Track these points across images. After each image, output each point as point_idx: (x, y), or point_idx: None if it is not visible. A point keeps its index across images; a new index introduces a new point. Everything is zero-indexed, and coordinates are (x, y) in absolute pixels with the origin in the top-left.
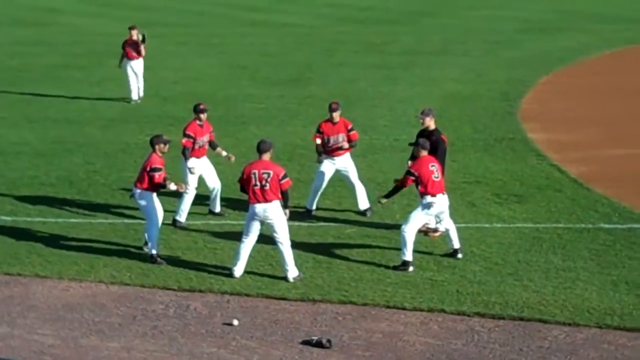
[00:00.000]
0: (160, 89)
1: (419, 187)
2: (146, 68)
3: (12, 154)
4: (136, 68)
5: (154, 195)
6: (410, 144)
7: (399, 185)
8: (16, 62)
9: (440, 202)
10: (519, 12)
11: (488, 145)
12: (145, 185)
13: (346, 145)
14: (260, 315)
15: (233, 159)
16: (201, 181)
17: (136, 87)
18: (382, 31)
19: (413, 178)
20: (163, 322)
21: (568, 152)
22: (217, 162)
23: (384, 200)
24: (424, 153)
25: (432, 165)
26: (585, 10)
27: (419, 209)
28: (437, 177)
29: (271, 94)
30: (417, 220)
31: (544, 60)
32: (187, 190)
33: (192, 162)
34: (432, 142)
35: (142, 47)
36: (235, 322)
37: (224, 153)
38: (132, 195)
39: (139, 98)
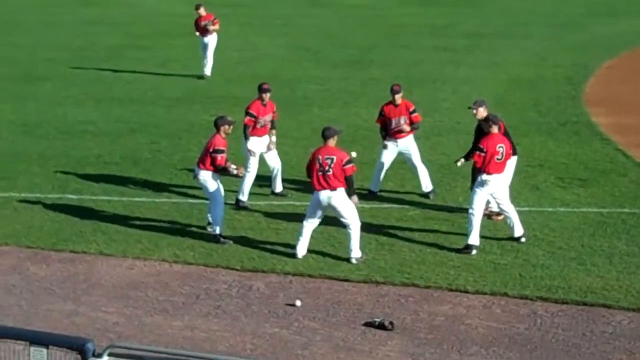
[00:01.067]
0: (224, 70)
1: (482, 167)
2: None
3: (77, 133)
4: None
5: (216, 175)
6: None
7: (474, 168)
8: (81, 42)
9: (496, 182)
10: None
11: (552, 129)
12: (208, 166)
13: (407, 128)
14: (323, 296)
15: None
16: (263, 161)
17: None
18: (445, 13)
19: (483, 155)
20: (226, 302)
21: (633, 136)
22: (280, 142)
23: (461, 162)
24: (495, 129)
25: (500, 147)
26: None
27: (475, 187)
28: (500, 159)
29: (334, 76)
30: (479, 199)
31: (608, 44)
32: (248, 171)
33: (252, 142)
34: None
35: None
36: (298, 303)
37: (273, 139)
38: (195, 176)
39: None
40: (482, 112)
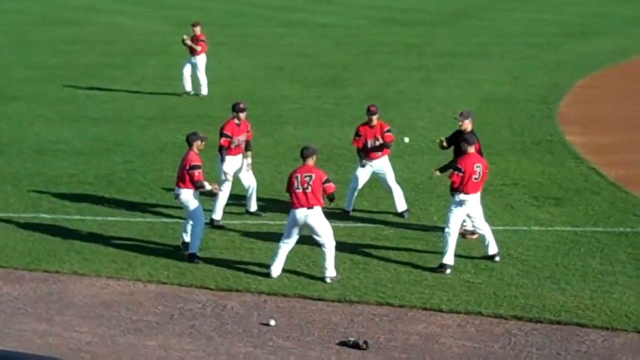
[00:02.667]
0: (198, 89)
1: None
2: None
3: (51, 152)
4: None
5: (197, 194)
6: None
7: (452, 186)
8: (56, 60)
9: (472, 202)
10: (558, 16)
11: (526, 147)
12: (187, 183)
13: (387, 144)
14: (297, 316)
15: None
16: (237, 180)
17: (197, 81)
18: (420, 33)
19: (461, 175)
20: (200, 322)
21: (606, 155)
22: (254, 161)
23: (437, 174)
24: (471, 149)
25: (477, 166)
26: (623, 14)
27: (452, 206)
28: (477, 179)
29: (308, 95)
30: (455, 218)
31: (582, 64)
32: (221, 190)
33: (227, 164)
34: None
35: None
36: (272, 322)
37: (249, 160)
38: (177, 196)
39: (189, 93)
40: (467, 124)
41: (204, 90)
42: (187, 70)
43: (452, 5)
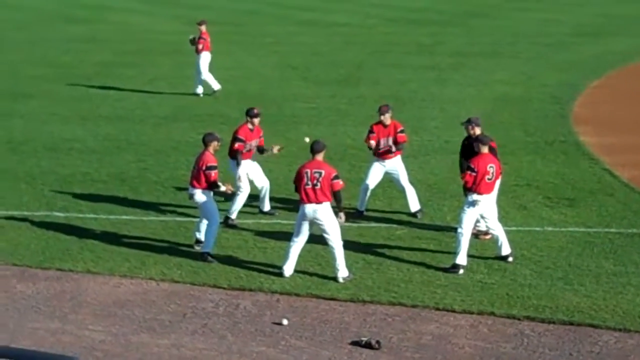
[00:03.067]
0: (211, 88)
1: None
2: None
3: (64, 151)
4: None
5: (211, 194)
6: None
7: (465, 186)
8: (69, 59)
9: (486, 202)
10: (571, 16)
11: (539, 148)
12: (203, 183)
13: (394, 148)
14: (310, 315)
15: (276, 149)
16: (250, 182)
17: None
18: (433, 32)
19: (474, 174)
20: (213, 321)
21: (620, 156)
22: (266, 160)
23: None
24: (485, 150)
25: (491, 167)
26: (637, 14)
27: (465, 207)
28: (490, 179)
29: (322, 94)
30: (468, 219)
31: (595, 64)
32: (240, 191)
33: (242, 169)
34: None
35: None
36: (285, 322)
37: (275, 149)
38: (192, 196)
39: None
40: (477, 131)
41: (200, 90)
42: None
43: (465, 4)
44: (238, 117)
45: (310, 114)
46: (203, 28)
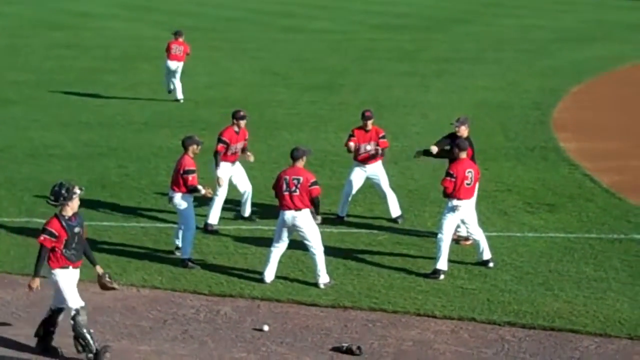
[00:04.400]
0: (193, 94)
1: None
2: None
3: (45, 157)
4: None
5: (191, 199)
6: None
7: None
8: (50, 65)
9: (466, 208)
10: (552, 22)
11: (520, 153)
12: (182, 187)
13: (380, 151)
14: (291, 321)
15: (251, 158)
16: (232, 186)
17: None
18: (415, 38)
19: (453, 180)
20: (193, 327)
21: (600, 162)
22: (249, 166)
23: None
24: (463, 155)
25: (469, 172)
26: (618, 20)
27: (445, 212)
28: (469, 184)
29: (303, 100)
30: (448, 225)
31: (576, 70)
32: (216, 195)
33: (221, 170)
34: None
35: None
36: (266, 328)
37: (251, 157)
38: (170, 199)
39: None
40: (463, 131)
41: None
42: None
43: (447, 11)
44: (220, 123)
45: (292, 120)
46: (181, 39)
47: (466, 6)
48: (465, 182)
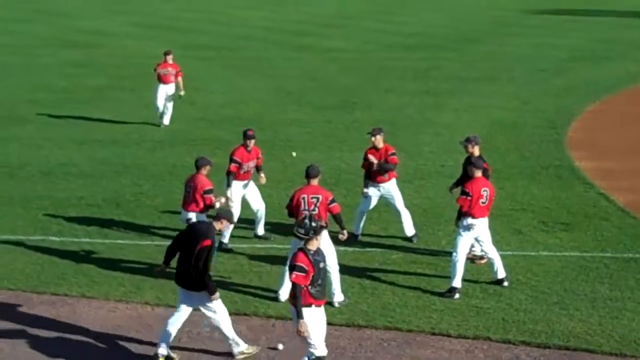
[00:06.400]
0: (207, 112)
1: (467, 210)
2: (194, 90)
3: (60, 175)
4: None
5: (204, 218)
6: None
7: (460, 210)
8: (65, 84)
9: (480, 226)
10: (567, 41)
11: (535, 172)
12: (200, 207)
13: (388, 167)
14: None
15: (264, 180)
16: (246, 204)
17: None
18: (428, 57)
19: (469, 198)
20: (208, 346)
21: (615, 181)
22: (263, 185)
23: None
24: (478, 174)
25: (485, 190)
26: (632, 39)
27: (460, 231)
28: (485, 202)
29: (317, 119)
30: (463, 243)
31: (591, 89)
32: (231, 204)
33: (233, 189)
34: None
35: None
36: (281, 347)
37: (263, 178)
38: (188, 221)
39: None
40: (470, 149)
41: (167, 120)
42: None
43: (460, 30)
44: (233, 141)
45: (306, 138)
46: (170, 59)
47: (479, 26)
48: (481, 200)
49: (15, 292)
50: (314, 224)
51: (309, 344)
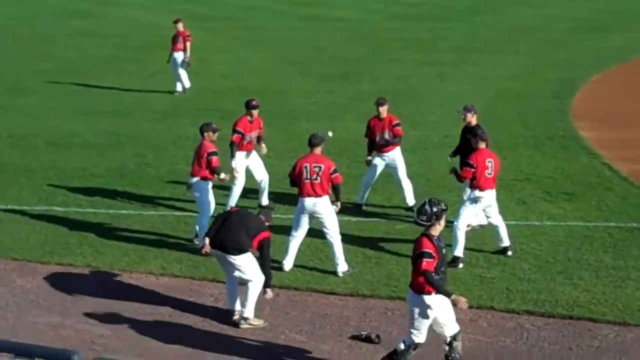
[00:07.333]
0: (211, 83)
1: (472, 181)
2: (199, 60)
3: (64, 146)
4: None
5: (209, 186)
6: (451, 155)
7: (460, 179)
8: (70, 54)
9: (488, 197)
10: (572, 11)
11: (539, 142)
12: (202, 172)
13: (390, 140)
14: (309, 310)
15: (265, 150)
16: (249, 175)
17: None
18: (433, 27)
19: (473, 170)
20: (213, 315)
21: (619, 151)
22: (267, 155)
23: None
24: (483, 145)
25: (489, 161)
26: (636, 9)
27: (467, 202)
28: (490, 174)
29: (321, 89)
30: (467, 214)
31: (595, 59)
32: (234, 183)
33: (237, 159)
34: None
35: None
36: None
37: (264, 148)
38: (190, 186)
39: (184, 90)
40: (469, 117)
41: (179, 87)
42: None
43: (465, 0)
44: (237, 112)
45: (310, 109)
46: (180, 26)
47: None
48: (486, 171)
49: (20, 261)
50: (435, 209)
51: (412, 329)
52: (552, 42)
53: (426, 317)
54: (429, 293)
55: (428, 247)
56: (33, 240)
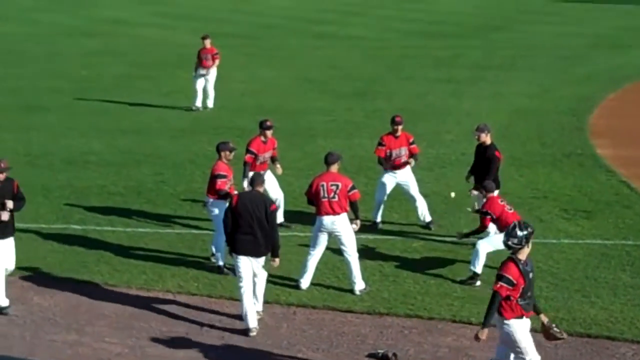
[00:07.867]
0: (228, 101)
1: (497, 224)
2: (216, 79)
3: (81, 164)
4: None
5: (225, 205)
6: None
7: (480, 229)
8: (86, 73)
9: None
10: (588, 28)
11: (556, 160)
12: (212, 192)
13: (412, 162)
14: (327, 328)
15: (280, 170)
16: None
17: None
18: (450, 45)
19: (491, 217)
20: (230, 333)
21: (637, 168)
22: (285, 173)
23: (462, 238)
24: (491, 194)
25: (502, 200)
26: None
27: (494, 232)
28: (511, 209)
29: (338, 107)
30: (495, 241)
31: (612, 77)
32: None
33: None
34: (486, 158)
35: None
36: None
37: (279, 168)
38: (205, 205)
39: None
40: (483, 137)
41: (211, 104)
42: (200, 84)
43: (482, 18)
44: (255, 130)
45: (327, 127)
46: (208, 43)
47: (499, 13)
48: (506, 209)
49: (38, 280)
50: (525, 232)
51: (524, 355)
52: (569, 59)
53: (521, 336)
54: (520, 317)
55: (510, 274)
56: (50, 258)
